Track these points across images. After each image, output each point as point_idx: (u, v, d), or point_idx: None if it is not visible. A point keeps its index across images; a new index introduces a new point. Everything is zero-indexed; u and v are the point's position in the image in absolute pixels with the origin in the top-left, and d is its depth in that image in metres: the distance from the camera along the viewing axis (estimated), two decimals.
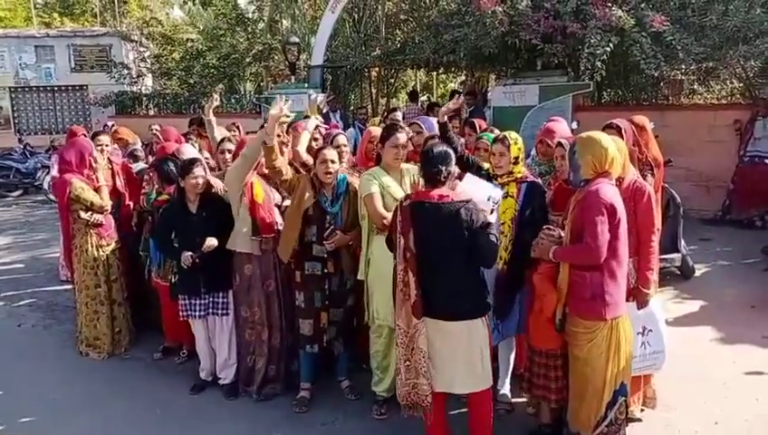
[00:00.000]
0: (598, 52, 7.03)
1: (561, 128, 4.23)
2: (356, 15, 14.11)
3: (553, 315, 3.26)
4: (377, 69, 14.05)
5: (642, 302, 3.40)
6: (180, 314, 4.32)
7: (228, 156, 4.57)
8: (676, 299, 5.84)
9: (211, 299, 4.25)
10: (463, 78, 17.56)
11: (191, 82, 14.89)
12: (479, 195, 3.28)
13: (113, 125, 7.78)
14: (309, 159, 4.24)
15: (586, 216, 2.99)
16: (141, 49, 15.72)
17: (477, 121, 5.50)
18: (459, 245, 3.05)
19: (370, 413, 3.97)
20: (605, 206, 2.97)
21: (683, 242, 6.20)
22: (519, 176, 3.74)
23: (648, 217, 3.37)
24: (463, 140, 5.23)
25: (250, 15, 16.08)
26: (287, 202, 4.27)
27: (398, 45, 11.79)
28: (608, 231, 2.97)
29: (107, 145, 5.49)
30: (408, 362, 3.13)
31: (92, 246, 4.88)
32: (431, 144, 3.28)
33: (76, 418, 4.11)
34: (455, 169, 3.26)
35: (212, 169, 4.71)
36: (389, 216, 3.72)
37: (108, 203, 4.96)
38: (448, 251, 3.08)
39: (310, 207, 3.93)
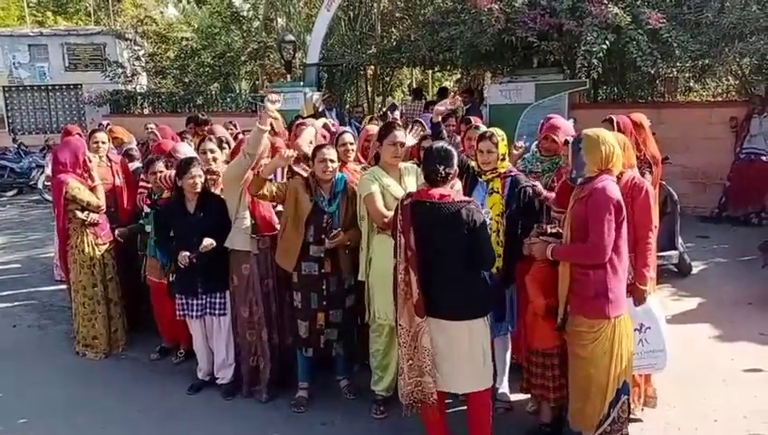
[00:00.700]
0: (594, 49, 7.03)
1: (566, 124, 4.22)
2: (351, 13, 14.10)
3: (547, 312, 3.25)
4: (372, 67, 14.02)
5: (639, 298, 3.40)
6: (177, 313, 4.30)
7: (210, 155, 4.46)
8: (674, 296, 5.84)
9: (208, 299, 4.23)
10: (458, 76, 17.58)
11: (186, 80, 14.83)
12: None
13: (108, 124, 7.73)
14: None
15: (593, 214, 2.97)
16: (136, 48, 15.63)
17: (474, 119, 5.50)
18: (459, 245, 3.03)
19: (369, 413, 3.95)
20: (612, 204, 2.96)
21: (680, 239, 6.20)
22: (503, 171, 3.75)
23: (646, 214, 3.37)
24: (458, 138, 5.23)
25: (245, 14, 16.04)
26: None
27: (394, 43, 11.80)
28: (614, 229, 2.96)
29: (104, 143, 5.45)
30: (410, 361, 3.11)
31: (88, 246, 4.85)
32: (432, 145, 3.25)
33: (73, 419, 4.08)
34: (456, 169, 3.24)
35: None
36: (390, 214, 3.72)
37: (103, 202, 4.93)
38: (448, 251, 3.07)
39: (304, 199, 3.89)
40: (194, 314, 4.23)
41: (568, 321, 3.15)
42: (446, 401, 3.43)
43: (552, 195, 3.82)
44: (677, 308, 5.54)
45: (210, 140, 4.72)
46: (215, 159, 4.46)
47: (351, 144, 4.40)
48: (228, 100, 14.52)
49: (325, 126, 5.37)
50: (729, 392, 4.09)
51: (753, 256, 6.87)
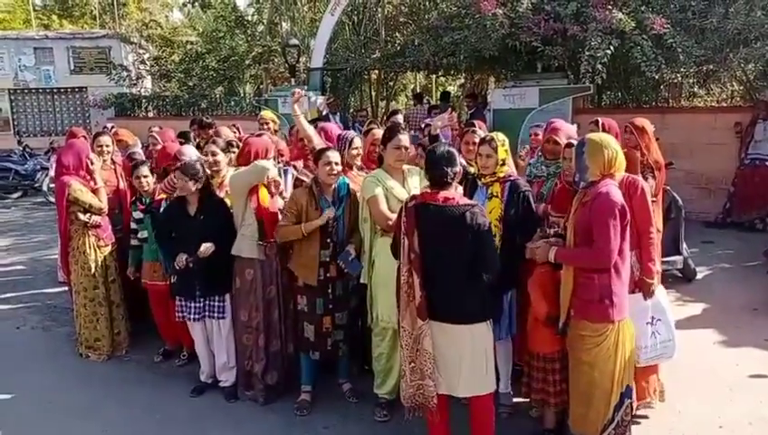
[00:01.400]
0: (598, 54, 7.02)
1: (567, 126, 4.21)
2: (356, 18, 14.13)
3: (548, 319, 3.24)
4: (376, 71, 14.03)
5: (648, 292, 3.46)
6: (176, 315, 4.31)
7: (211, 158, 4.45)
8: (679, 302, 5.82)
9: (207, 302, 4.22)
10: (462, 81, 17.57)
11: (190, 84, 14.87)
12: None
13: (113, 127, 7.74)
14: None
15: (597, 218, 2.96)
16: (140, 51, 15.70)
17: (477, 123, 5.48)
18: (463, 248, 3.02)
19: (372, 416, 3.94)
20: (617, 208, 2.96)
21: (684, 244, 6.18)
22: (502, 175, 3.75)
23: (645, 209, 3.42)
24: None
25: (250, 18, 16.10)
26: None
27: (398, 48, 11.79)
28: (619, 234, 2.96)
29: (107, 146, 5.46)
30: (412, 364, 3.10)
31: (90, 247, 4.86)
32: (434, 146, 3.24)
33: (75, 421, 4.08)
34: (460, 169, 3.24)
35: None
36: (394, 217, 3.71)
37: (105, 205, 4.93)
38: (452, 254, 3.05)
39: (310, 210, 3.90)
40: (192, 316, 4.23)
41: (570, 325, 3.14)
42: (449, 404, 3.42)
43: (542, 206, 3.84)
44: (682, 313, 5.51)
45: (214, 142, 4.71)
46: (216, 163, 4.47)
47: (361, 148, 4.42)
48: (232, 103, 14.56)
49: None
50: (734, 398, 4.07)
51: (759, 262, 6.88)
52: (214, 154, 4.50)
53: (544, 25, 7.80)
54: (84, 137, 5.82)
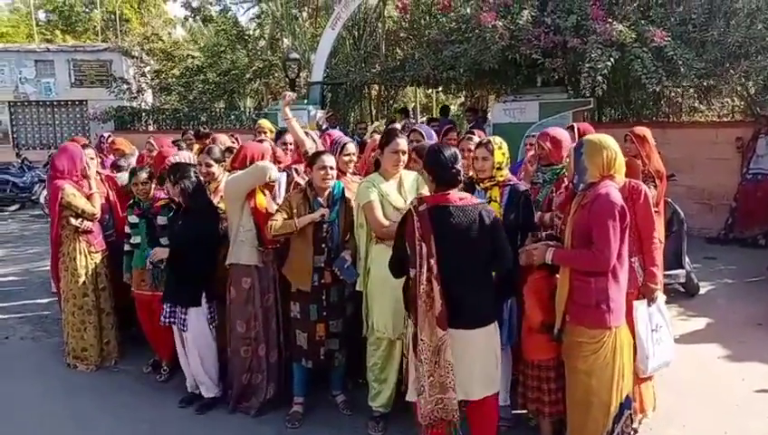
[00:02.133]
0: (599, 66, 6.96)
1: (560, 132, 4.11)
2: (356, 33, 14.17)
3: (542, 326, 3.14)
4: (376, 86, 14.03)
5: (652, 297, 3.37)
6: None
7: (205, 169, 4.39)
8: (682, 317, 5.71)
9: (174, 309, 4.11)
10: (462, 99, 17.57)
11: (191, 97, 14.87)
12: None
13: (110, 136, 7.70)
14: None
15: (597, 220, 2.88)
16: (141, 65, 15.73)
17: (477, 133, 5.41)
18: (481, 248, 2.93)
19: (366, 429, 3.81)
20: (617, 209, 2.88)
21: (687, 259, 6.08)
22: (501, 180, 3.66)
23: (648, 215, 3.35)
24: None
25: (251, 33, 16.17)
26: None
27: (398, 62, 11.78)
28: (618, 236, 2.87)
29: (92, 159, 5.36)
30: (431, 378, 2.91)
31: (81, 253, 4.77)
32: (439, 147, 3.14)
33: (59, 433, 3.95)
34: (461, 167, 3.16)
35: None
36: (388, 223, 3.63)
37: (99, 211, 4.85)
38: (470, 256, 2.95)
39: (302, 212, 3.82)
40: (161, 318, 4.14)
41: (566, 331, 3.04)
42: None
43: (548, 214, 3.73)
44: (686, 328, 5.40)
45: (209, 152, 4.60)
46: (210, 174, 4.40)
47: (354, 154, 4.34)
48: (232, 117, 14.53)
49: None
50: (740, 413, 3.95)
51: (762, 277, 6.78)
52: (208, 166, 4.42)
53: (544, 38, 7.76)
54: (85, 145, 5.75)
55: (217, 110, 14.98)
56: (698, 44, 7.36)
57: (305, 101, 11.74)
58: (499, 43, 7.76)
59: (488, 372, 3.03)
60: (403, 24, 13.57)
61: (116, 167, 5.99)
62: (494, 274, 3.14)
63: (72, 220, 4.72)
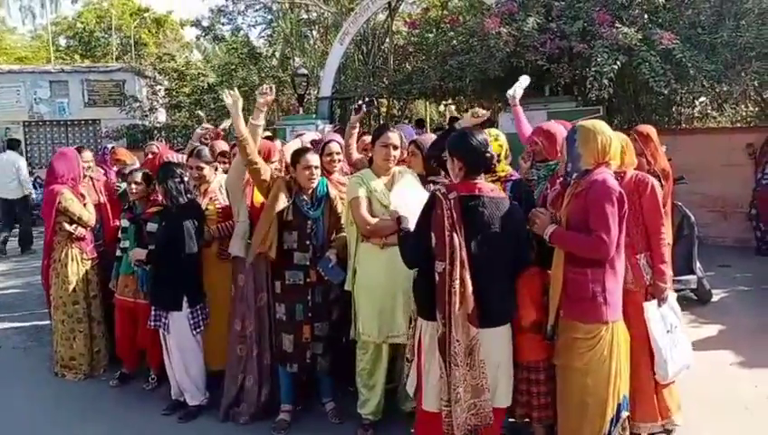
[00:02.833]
0: (605, 70, 6.82)
1: (553, 125, 3.95)
2: (365, 48, 14.19)
3: (534, 325, 2.96)
4: (385, 100, 14.00)
5: (662, 296, 3.18)
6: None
7: (196, 173, 4.31)
8: (694, 323, 5.47)
9: (160, 313, 3.98)
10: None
11: (202, 114, 14.93)
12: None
13: (113, 147, 7.69)
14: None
15: (595, 206, 2.74)
16: (153, 83, 15.86)
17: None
18: (509, 243, 2.80)
19: None
20: (615, 195, 2.74)
21: (698, 264, 5.84)
22: (503, 174, 3.50)
23: (655, 208, 3.18)
24: None
25: (262, 51, 16.27)
26: None
27: (405, 75, 11.75)
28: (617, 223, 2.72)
29: (88, 162, 5.31)
30: (465, 382, 2.70)
31: (72, 260, 4.67)
32: (466, 132, 2.95)
33: None
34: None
35: None
36: (374, 221, 3.49)
37: (93, 219, 4.78)
38: (500, 250, 2.80)
39: (288, 211, 3.70)
40: (150, 322, 4.01)
41: (559, 328, 2.86)
42: None
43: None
44: (698, 335, 5.15)
45: (198, 156, 4.48)
46: (201, 177, 4.30)
47: (338, 154, 4.20)
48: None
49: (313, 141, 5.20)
50: (752, 420, 3.73)
51: None
52: (199, 168, 4.32)
53: (550, 44, 7.64)
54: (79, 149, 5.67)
55: (227, 126, 15.00)
56: (708, 47, 7.19)
57: (314, 115, 11.72)
58: (503, 50, 7.67)
59: (509, 380, 2.90)
60: (411, 38, 13.61)
61: (121, 176, 5.94)
62: None
63: (66, 226, 4.64)
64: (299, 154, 3.77)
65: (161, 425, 3.97)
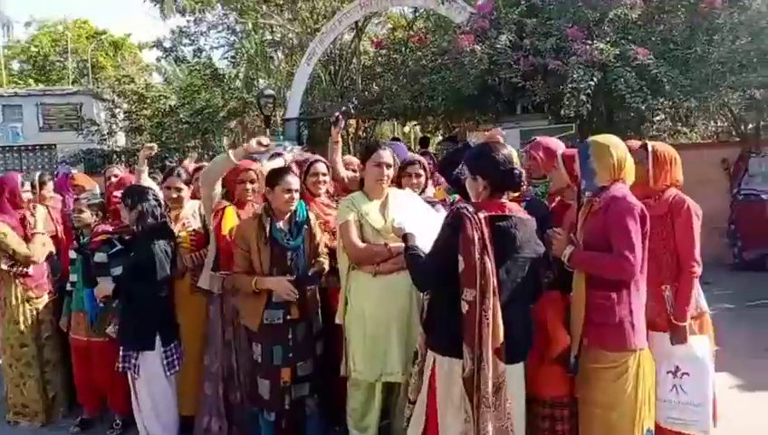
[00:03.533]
0: (582, 86, 6.74)
1: (552, 141, 3.75)
2: (332, 68, 14.01)
3: (561, 354, 2.70)
4: (353, 122, 13.82)
5: (680, 337, 2.92)
6: None
7: (174, 194, 4.00)
8: None
9: (129, 354, 3.59)
10: (439, 136, 17.36)
11: (163, 138, 14.49)
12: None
13: (71, 172, 7.27)
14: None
15: (616, 224, 2.54)
16: (112, 106, 15.37)
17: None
18: (534, 268, 2.57)
19: None
20: (636, 211, 2.55)
21: None
22: (517, 195, 3.24)
23: (688, 234, 2.96)
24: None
25: (225, 72, 15.95)
26: None
27: (375, 95, 11.60)
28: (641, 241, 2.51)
29: (32, 192, 4.86)
30: (491, 424, 2.43)
31: (17, 299, 4.22)
32: (487, 147, 2.73)
33: None
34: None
35: None
36: (362, 246, 3.24)
37: (38, 254, 4.27)
38: (525, 276, 2.55)
39: (261, 245, 3.37)
40: (118, 364, 3.61)
41: (581, 358, 2.61)
42: None
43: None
44: None
45: (178, 175, 4.15)
46: (179, 199, 3.98)
47: (324, 175, 3.95)
48: (207, 157, 14.13)
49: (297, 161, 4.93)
50: None
51: (762, 301, 6.45)
52: (178, 189, 3.99)
53: (524, 61, 7.56)
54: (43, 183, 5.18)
55: (190, 149, 14.59)
56: (681, 62, 7.19)
57: (281, 137, 11.43)
58: (478, 67, 7.56)
59: (523, 417, 2.63)
60: (379, 59, 13.51)
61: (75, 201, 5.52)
62: None
63: (2, 264, 4.17)
64: (277, 175, 3.44)
65: None
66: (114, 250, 3.77)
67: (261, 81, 15.57)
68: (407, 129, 19.55)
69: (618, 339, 2.55)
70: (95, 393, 4.17)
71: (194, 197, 4.12)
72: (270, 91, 12.53)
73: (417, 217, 3.12)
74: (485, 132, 3.57)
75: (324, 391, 3.56)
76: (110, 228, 4.07)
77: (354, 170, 4.30)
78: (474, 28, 8.00)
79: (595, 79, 6.79)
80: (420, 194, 3.74)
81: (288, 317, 3.36)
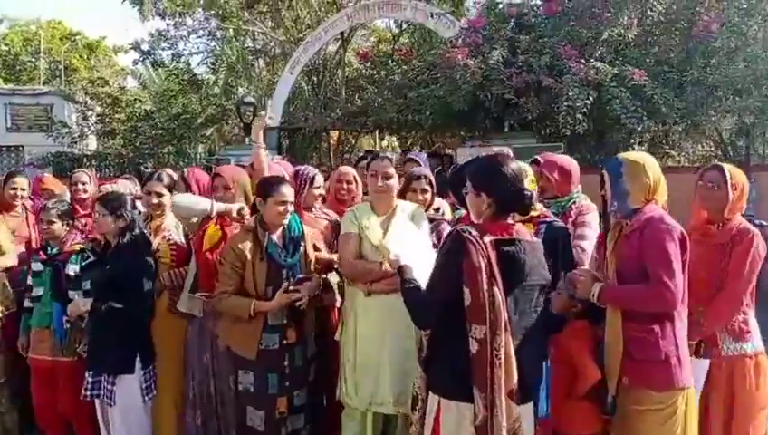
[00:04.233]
0: (578, 105, 6.63)
1: (567, 159, 3.56)
2: (315, 79, 13.79)
3: (590, 392, 2.45)
4: (336, 132, 13.59)
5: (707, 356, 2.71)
6: None
7: (155, 199, 3.65)
8: None
9: (101, 379, 3.23)
10: (418, 148, 17.20)
11: (137, 143, 14.05)
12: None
13: (39, 174, 6.88)
14: None
15: (654, 248, 2.30)
16: (84, 108, 14.86)
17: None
18: (543, 296, 2.32)
19: None
20: (676, 234, 2.31)
21: None
22: (536, 215, 2.99)
23: (739, 264, 2.68)
24: None
25: (204, 78, 15.60)
26: None
27: (359, 107, 11.39)
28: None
29: (23, 189, 4.51)
30: None
31: None
32: (495, 160, 2.39)
33: None
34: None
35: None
36: (351, 262, 3.04)
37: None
38: (536, 305, 2.29)
39: (256, 262, 3.07)
40: (85, 392, 3.24)
41: (620, 398, 2.36)
42: None
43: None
44: None
45: (159, 179, 3.80)
46: (161, 205, 3.63)
47: (323, 188, 3.78)
48: (182, 164, 13.72)
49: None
50: None
51: None
52: (159, 195, 3.65)
53: (516, 78, 7.44)
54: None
55: (166, 155, 14.17)
56: (676, 85, 7.14)
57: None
58: (470, 81, 7.41)
59: None
60: (363, 71, 13.33)
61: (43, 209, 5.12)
62: None
63: None
64: (272, 185, 3.13)
65: None
66: (87, 262, 3.46)
67: (241, 88, 15.26)
68: (384, 142, 19.40)
69: (664, 377, 2.30)
70: (59, 419, 3.76)
71: None
72: (250, 99, 12.21)
73: (418, 250, 2.74)
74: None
75: (318, 422, 3.27)
76: (80, 238, 3.76)
77: (349, 182, 4.04)
78: (467, 43, 7.86)
79: (591, 98, 6.68)
80: (426, 210, 3.49)
81: (285, 342, 3.07)
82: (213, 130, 15.07)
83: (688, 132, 8.26)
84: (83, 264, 3.47)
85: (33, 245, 4.32)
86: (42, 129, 14.87)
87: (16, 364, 3.87)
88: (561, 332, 2.49)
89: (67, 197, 5.95)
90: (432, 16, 9.77)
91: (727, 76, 6.90)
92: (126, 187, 4.24)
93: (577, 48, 7.45)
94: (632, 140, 8.35)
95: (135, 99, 14.64)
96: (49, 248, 3.68)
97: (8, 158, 15.38)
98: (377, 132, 14.38)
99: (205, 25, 15.68)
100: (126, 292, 3.14)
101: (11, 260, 3.94)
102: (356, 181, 4.00)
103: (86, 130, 14.53)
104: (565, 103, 6.75)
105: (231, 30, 14.97)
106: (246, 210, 3.31)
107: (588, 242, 3.26)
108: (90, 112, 14.81)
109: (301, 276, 3.06)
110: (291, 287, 2.99)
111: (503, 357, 2.10)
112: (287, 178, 3.54)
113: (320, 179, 3.72)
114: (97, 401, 3.29)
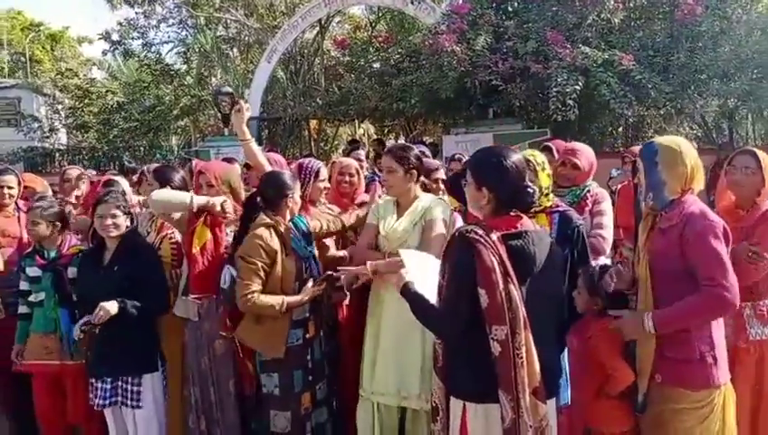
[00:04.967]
0: (567, 90, 6.61)
1: (587, 148, 3.55)
2: (293, 67, 13.55)
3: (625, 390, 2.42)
4: (317, 121, 13.41)
5: None
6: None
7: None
8: None
9: (119, 384, 3.14)
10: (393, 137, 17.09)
11: (110, 136, 13.69)
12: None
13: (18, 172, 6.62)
14: None
15: (700, 246, 2.20)
16: (53, 102, 14.41)
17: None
18: (558, 288, 2.28)
19: None
20: (719, 229, 2.23)
21: None
22: (549, 205, 2.93)
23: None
24: None
25: (177, 68, 15.23)
26: None
27: (340, 96, 11.23)
28: None
29: (11, 187, 4.30)
30: None
31: None
32: (497, 152, 2.28)
33: None
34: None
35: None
36: (370, 254, 2.99)
37: None
38: (551, 299, 2.23)
39: (284, 258, 2.98)
40: (97, 401, 3.14)
41: (652, 396, 2.31)
42: None
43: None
44: None
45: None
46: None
47: (323, 181, 3.62)
48: (158, 156, 13.41)
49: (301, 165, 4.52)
50: None
51: None
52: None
53: (503, 64, 7.39)
54: None
55: (141, 148, 13.84)
56: (661, 69, 7.17)
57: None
58: (457, 68, 7.34)
59: None
60: (341, 59, 13.14)
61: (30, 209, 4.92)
62: None
63: None
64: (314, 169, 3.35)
65: None
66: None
67: (215, 78, 14.95)
68: (361, 130, 19.25)
69: (700, 376, 2.25)
70: (65, 425, 3.62)
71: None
72: (228, 89, 11.95)
73: (427, 270, 2.51)
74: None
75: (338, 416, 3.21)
76: (76, 240, 3.62)
77: (351, 175, 3.96)
78: (452, 29, 7.77)
79: (580, 83, 6.67)
80: None
81: (307, 336, 3.02)
82: (188, 122, 14.74)
83: (672, 116, 8.31)
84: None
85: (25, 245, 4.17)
86: (10, 123, 14.42)
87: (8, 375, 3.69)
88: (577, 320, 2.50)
89: (49, 194, 5.78)
90: (412, 2, 9.65)
91: (713, 60, 6.95)
92: (122, 183, 4.10)
93: (562, 33, 7.42)
94: (617, 125, 8.38)
95: (106, 91, 14.23)
96: (46, 253, 3.52)
97: None
98: (356, 121, 14.23)
99: (175, 14, 15.30)
100: (148, 289, 3.09)
101: None
102: (358, 174, 3.95)
103: (57, 123, 14.11)
104: (554, 89, 6.73)
105: (202, 18, 14.63)
106: (229, 204, 3.20)
107: (607, 231, 3.27)
108: (59, 106, 14.38)
109: (330, 272, 3.00)
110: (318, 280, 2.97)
111: (524, 355, 2.04)
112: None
113: (324, 172, 3.62)
114: (108, 410, 3.18)
